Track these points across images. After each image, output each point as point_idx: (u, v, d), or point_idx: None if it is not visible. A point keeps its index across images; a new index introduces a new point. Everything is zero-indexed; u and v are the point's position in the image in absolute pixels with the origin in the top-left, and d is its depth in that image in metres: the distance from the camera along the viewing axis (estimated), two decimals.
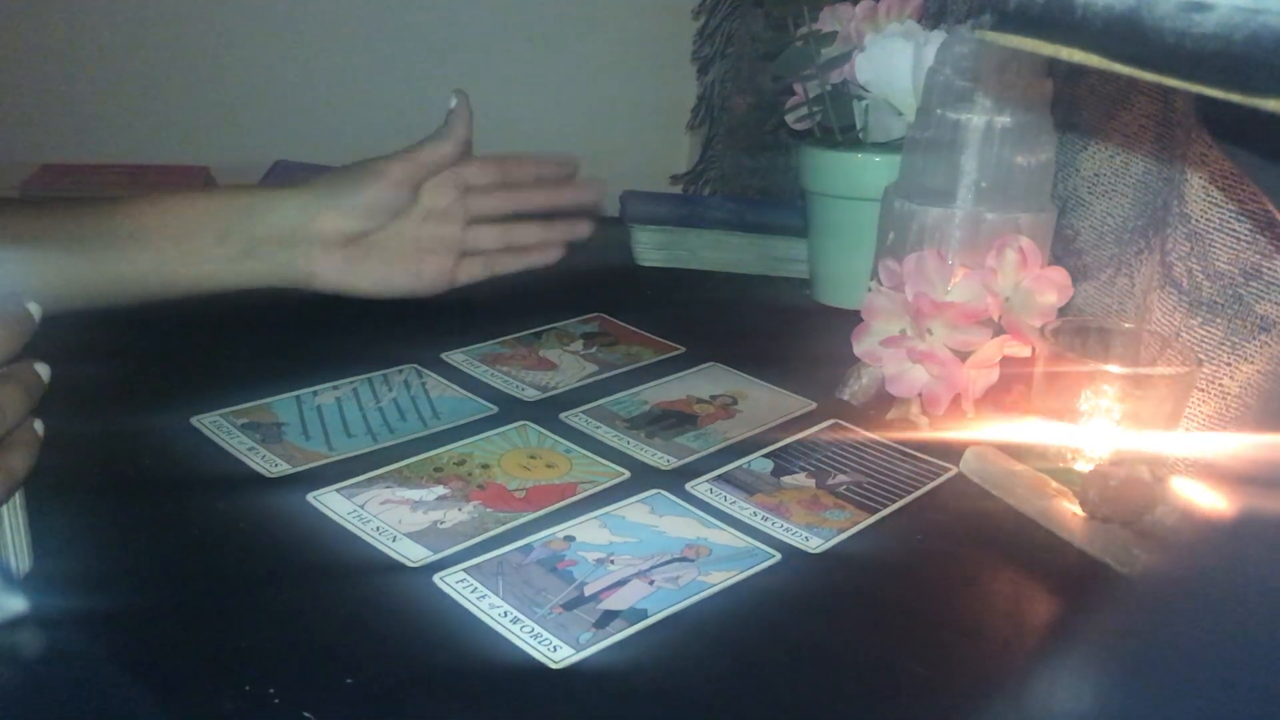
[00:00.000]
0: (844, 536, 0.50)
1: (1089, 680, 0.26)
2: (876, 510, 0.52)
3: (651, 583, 0.45)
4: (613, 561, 0.46)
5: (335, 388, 0.61)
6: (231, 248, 0.63)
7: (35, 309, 0.41)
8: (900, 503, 0.53)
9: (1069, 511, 0.50)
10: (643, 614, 0.43)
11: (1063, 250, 0.70)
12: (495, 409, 0.60)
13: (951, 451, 0.57)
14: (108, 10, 0.99)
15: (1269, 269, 0.51)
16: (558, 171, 0.77)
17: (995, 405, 0.60)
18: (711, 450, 0.57)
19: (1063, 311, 0.59)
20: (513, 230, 0.75)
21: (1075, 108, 0.69)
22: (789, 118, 0.83)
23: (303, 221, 0.65)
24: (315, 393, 0.61)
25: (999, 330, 0.59)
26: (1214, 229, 0.53)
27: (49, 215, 0.61)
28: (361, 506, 0.49)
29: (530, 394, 0.62)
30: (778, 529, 0.50)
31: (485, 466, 0.54)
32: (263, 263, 0.65)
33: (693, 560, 0.47)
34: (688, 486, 0.53)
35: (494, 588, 0.44)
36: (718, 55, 1.09)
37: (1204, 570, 0.26)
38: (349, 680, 0.38)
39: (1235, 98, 0.29)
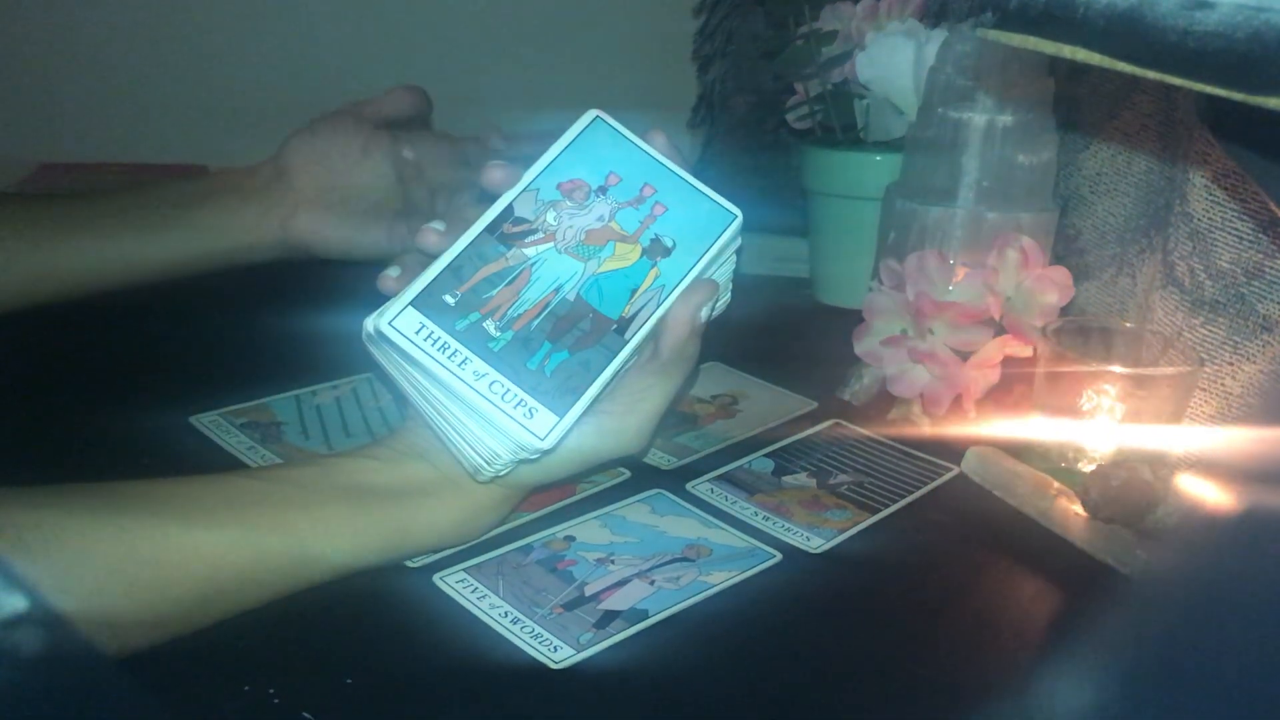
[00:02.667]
0: (845, 536, 0.49)
1: (1090, 681, 0.26)
2: (877, 510, 0.52)
3: (652, 583, 0.45)
4: (613, 562, 0.46)
5: (334, 387, 0.61)
6: (208, 212, 0.63)
7: None
8: (901, 503, 0.53)
9: (1071, 512, 0.49)
10: (643, 614, 0.43)
11: (1064, 249, 0.70)
12: None
13: (953, 451, 0.57)
14: (107, 10, 0.99)
15: (1271, 268, 0.51)
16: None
17: (996, 405, 0.60)
18: (712, 450, 0.57)
19: (1064, 311, 0.59)
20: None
21: (1077, 106, 0.69)
22: (790, 117, 0.83)
23: (275, 174, 0.65)
24: (314, 392, 0.61)
25: (1000, 330, 0.58)
26: (1216, 228, 0.53)
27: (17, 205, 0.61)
28: None
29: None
30: (779, 529, 0.50)
31: None
32: (238, 219, 0.64)
33: (693, 560, 0.47)
34: (688, 486, 0.53)
35: (494, 588, 0.44)
36: (718, 54, 1.09)
37: (1205, 570, 0.26)
38: (349, 680, 0.38)
39: (1237, 96, 0.29)
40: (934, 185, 0.64)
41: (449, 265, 0.44)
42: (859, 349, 0.61)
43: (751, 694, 0.39)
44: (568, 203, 0.46)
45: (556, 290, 0.44)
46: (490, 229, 0.45)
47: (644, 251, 0.46)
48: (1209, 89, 0.30)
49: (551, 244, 0.45)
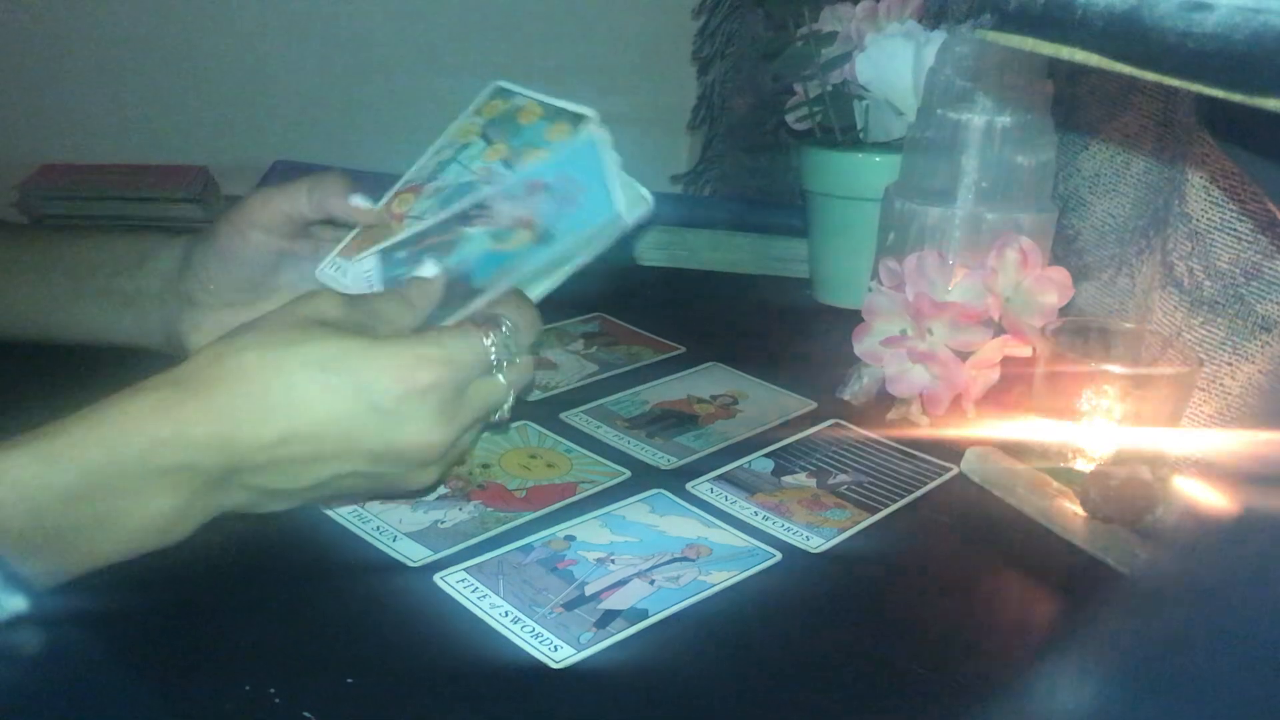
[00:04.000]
0: (845, 536, 0.49)
1: (1089, 680, 0.26)
2: (877, 510, 0.52)
3: (652, 582, 0.45)
4: (613, 561, 0.46)
5: None
6: (114, 295, 0.56)
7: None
8: (901, 502, 0.53)
9: (1070, 511, 0.50)
10: (643, 614, 0.43)
11: (1064, 250, 0.70)
12: None
13: (952, 451, 0.57)
14: (107, 10, 0.99)
15: (1270, 268, 0.51)
16: None
17: (996, 405, 0.60)
18: (712, 450, 0.57)
19: (1064, 311, 0.59)
20: None
21: (1076, 107, 0.69)
22: (789, 118, 0.83)
23: (176, 273, 0.55)
24: None
25: (1000, 330, 0.59)
26: (1215, 228, 0.53)
27: None
28: (362, 506, 0.49)
29: (531, 393, 0.62)
30: (778, 528, 0.50)
31: (485, 466, 0.54)
32: (140, 315, 0.56)
33: (693, 560, 0.47)
34: (688, 486, 0.53)
35: (495, 587, 0.44)
36: (718, 55, 1.09)
37: (1204, 570, 0.26)
38: (349, 680, 0.38)
39: (1236, 97, 0.29)
40: (933, 186, 0.64)
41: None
42: (859, 349, 0.61)
43: (751, 693, 0.39)
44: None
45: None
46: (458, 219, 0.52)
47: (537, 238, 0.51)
48: (1208, 90, 0.30)
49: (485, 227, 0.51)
